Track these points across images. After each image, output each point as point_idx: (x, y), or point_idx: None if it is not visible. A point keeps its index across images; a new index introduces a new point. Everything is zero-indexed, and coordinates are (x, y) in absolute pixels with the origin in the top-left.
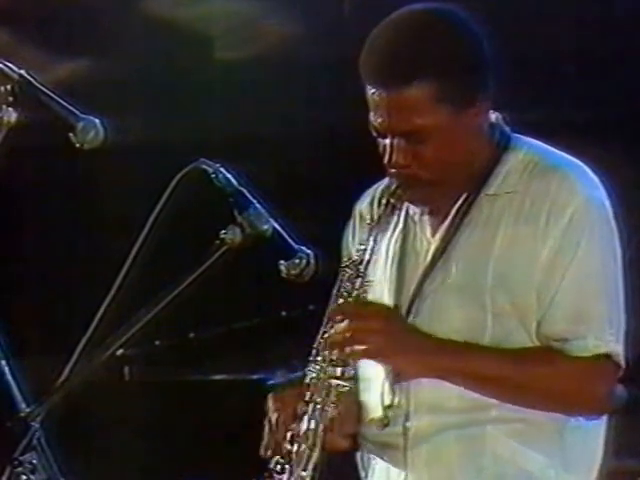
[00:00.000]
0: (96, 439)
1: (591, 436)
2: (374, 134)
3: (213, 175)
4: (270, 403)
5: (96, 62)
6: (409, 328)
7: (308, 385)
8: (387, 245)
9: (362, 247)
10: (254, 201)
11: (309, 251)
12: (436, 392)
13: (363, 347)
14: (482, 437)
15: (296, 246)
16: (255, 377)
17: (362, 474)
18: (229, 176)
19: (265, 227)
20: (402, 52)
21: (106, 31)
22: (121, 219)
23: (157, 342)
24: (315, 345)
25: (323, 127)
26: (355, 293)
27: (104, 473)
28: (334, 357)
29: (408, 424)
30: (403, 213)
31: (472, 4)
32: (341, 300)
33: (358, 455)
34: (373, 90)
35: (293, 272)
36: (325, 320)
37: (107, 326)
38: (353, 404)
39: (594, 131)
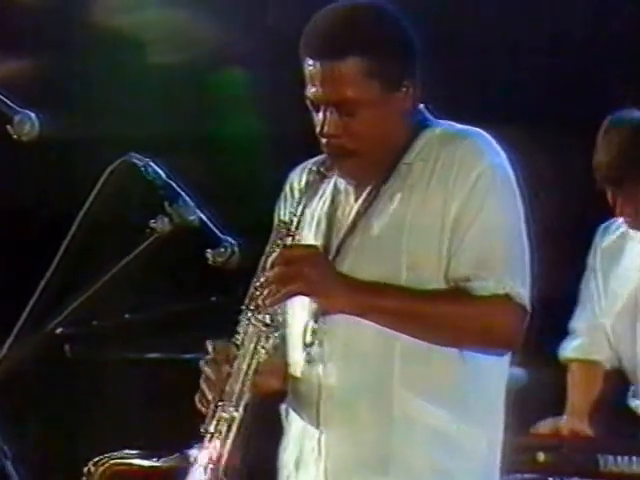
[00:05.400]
0: (39, 410)
1: (489, 390)
2: (309, 107)
3: (143, 168)
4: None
5: (33, 60)
6: (332, 267)
7: (239, 332)
8: (313, 212)
9: (292, 209)
10: (182, 193)
11: (233, 241)
12: (347, 338)
13: (292, 285)
14: (389, 397)
15: (222, 236)
16: (187, 356)
17: (285, 426)
18: (158, 170)
19: (192, 218)
20: (338, 30)
21: (44, 31)
22: (57, 205)
23: (95, 322)
24: (248, 294)
25: (247, 124)
26: (285, 244)
27: (47, 443)
28: (264, 304)
29: (321, 372)
30: (331, 186)
31: None
32: (272, 255)
33: (282, 407)
34: (310, 62)
35: (219, 259)
36: (258, 270)
37: (45, 307)
38: (282, 359)
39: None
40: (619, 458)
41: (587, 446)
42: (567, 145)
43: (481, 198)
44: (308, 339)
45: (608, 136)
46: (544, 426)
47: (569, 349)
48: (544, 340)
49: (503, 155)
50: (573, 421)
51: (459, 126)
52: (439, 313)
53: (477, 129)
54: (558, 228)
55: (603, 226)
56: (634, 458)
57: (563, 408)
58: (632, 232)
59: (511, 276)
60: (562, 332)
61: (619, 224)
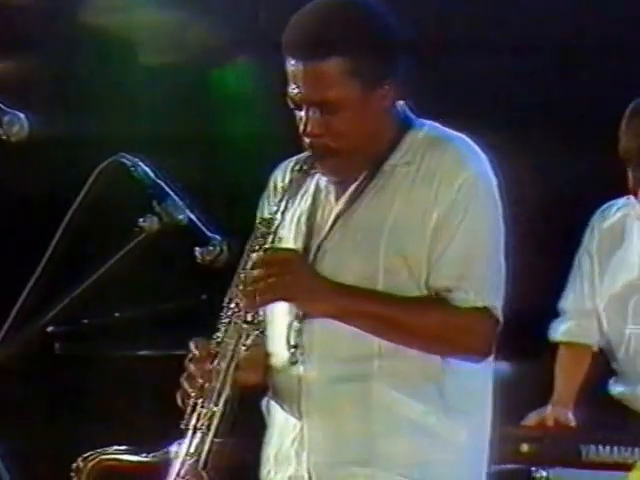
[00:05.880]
0: (28, 408)
1: (469, 382)
2: (291, 106)
3: (132, 168)
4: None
5: (23, 61)
6: (313, 271)
7: (220, 329)
8: (294, 211)
9: (274, 207)
10: (171, 193)
11: (222, 239)
12: (327, 338)
13: (273, 291)
14: (369, 391)
15: (210, 234)
16: (177, 353)
17: (267, 420)
18: (147, 169)
19: (181, 217)
20: (321, 29)
21: (34, 31)
22: (46, 204)
23: (85, 320)
24: (228, 292)
25: (237, 123)
26: (266, 248)
27: (37, 440)
28: (245, 306)
29: (301, 369)
30: (313, 184)
31: None
32: (253, 254)
33: (263, 402)
34: (293, 62)
35: (208, 258)
36: (238, 269)
37: (34, 306)
38: (261, 353)
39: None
40: (600, 448)
41: (570, 437)
42: (551, 150)
43: (463, 209)
44: (293, 340)
45: (635, 120)
46: (529, 420)
47: (558, 332)
48: (526, 334)
49: (486, 162)
50: (557, 410)
51: (443, 130)
52: (419, 321)
53: (461, 134)
54: (534, 235)
55: (601, 209)
56: (615, 448)
57: (546, 400)
58: (633, 215)
59: (489, 289)
60: (545, 325)
61: (619, 206)
